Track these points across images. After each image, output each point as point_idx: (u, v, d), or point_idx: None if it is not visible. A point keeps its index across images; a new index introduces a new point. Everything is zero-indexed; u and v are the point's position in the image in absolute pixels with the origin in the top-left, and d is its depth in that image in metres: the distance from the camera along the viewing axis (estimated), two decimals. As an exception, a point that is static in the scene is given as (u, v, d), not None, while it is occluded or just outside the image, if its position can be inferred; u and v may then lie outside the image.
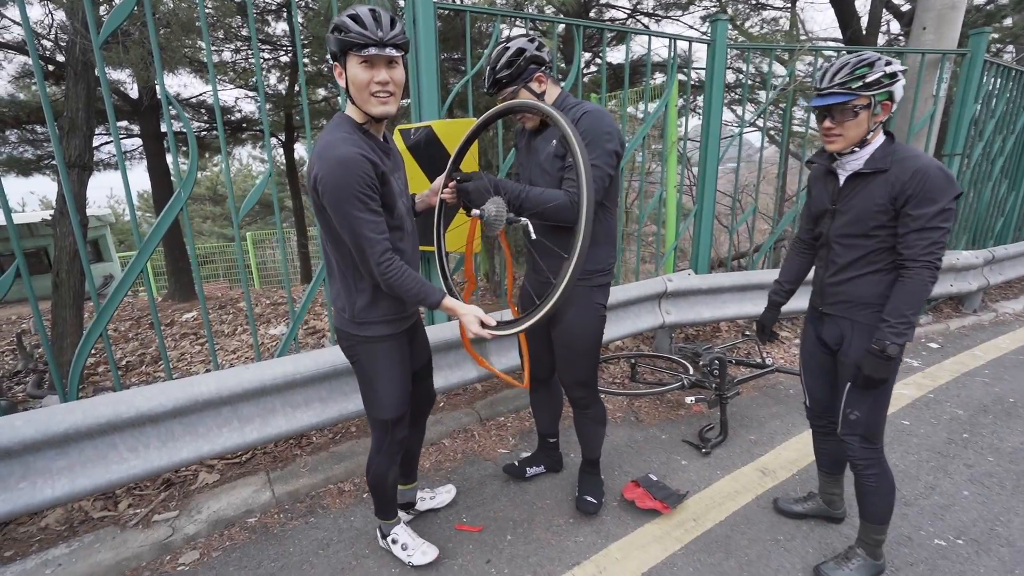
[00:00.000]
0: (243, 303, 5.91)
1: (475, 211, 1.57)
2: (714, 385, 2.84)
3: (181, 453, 1.93)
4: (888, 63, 1.45)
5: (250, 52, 6.36)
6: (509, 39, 1.77)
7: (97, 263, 8.89)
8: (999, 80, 4.48)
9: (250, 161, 17.94)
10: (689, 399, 2.76)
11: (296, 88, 7.18)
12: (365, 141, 1.41)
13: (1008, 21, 6.03)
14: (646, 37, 3.45)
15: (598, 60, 6.41)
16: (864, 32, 5.51)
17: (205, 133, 7.13)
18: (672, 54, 3.42)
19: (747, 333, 3.82)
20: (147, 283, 2.48)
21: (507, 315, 2.80)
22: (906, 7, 6.49)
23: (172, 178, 6.97)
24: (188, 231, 2.29)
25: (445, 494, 2.27)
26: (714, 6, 6.53)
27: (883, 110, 1.51)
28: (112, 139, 2.02)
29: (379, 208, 1.40)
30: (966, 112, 4.11)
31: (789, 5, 6.18)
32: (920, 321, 4.54)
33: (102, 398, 1.80)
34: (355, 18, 1.32)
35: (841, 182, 1.63)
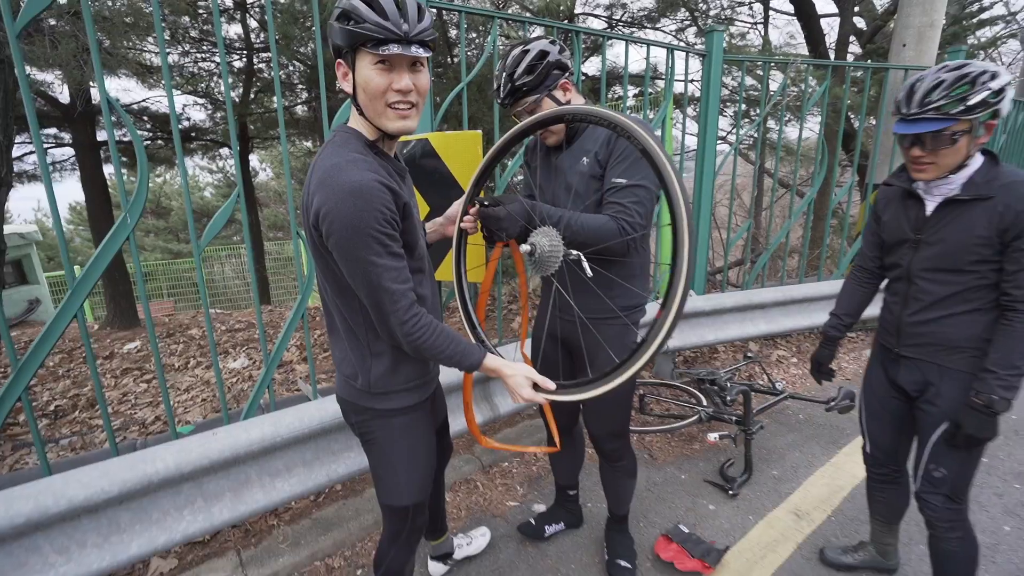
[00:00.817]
0: (193, 330, 5.33)
1: (524, 246, 1.27)
2: (734, 418, 2.65)
3: (129, 549, 1.52)
4: (993, 76, 1.25)
5: (199, 56, 5.82)
6: (526, 41, 1.51)
7: (21, 285, 7.93)
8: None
9: (196, 172, 16.87)
10: (712, 436, 2.55)
11: (252, 95, 6.67)
12: (380, 163, 1.10)
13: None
14: (632, 48, 3.27)
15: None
16: (834, 50, 5.63)
17: (148, 143, 6.48)
18: (669, 65, 3.26)
19: (749, 355, 3.68)
20: (79, 314, 2.03)
21: (510, 352, 2.51)
22: (864, 27, 6.71)
23: (111, 191, 6.28)
24: (137, 262, 1.88)
25: (480, 538, 2.07)
26: (686, 20, 6.54)
27: (986, 131, 1.30)
28: (41, 148, 1.61)
29: (400, 250, 1.09)
30: (945, 128, 4.17)
31: (760, 20, 6.29)
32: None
33: (20, 490, 1.38)
34: (371, 3, 1.00)
35: (928, 210, 1.43)
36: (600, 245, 1.37)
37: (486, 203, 1.35)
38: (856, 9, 5.78)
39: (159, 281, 12.48)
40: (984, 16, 5.62)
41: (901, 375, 1.57)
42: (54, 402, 3.69)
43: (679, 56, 3.27)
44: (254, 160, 16.10)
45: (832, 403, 2.90)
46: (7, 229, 8.10)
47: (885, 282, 1.67)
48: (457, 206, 1.48)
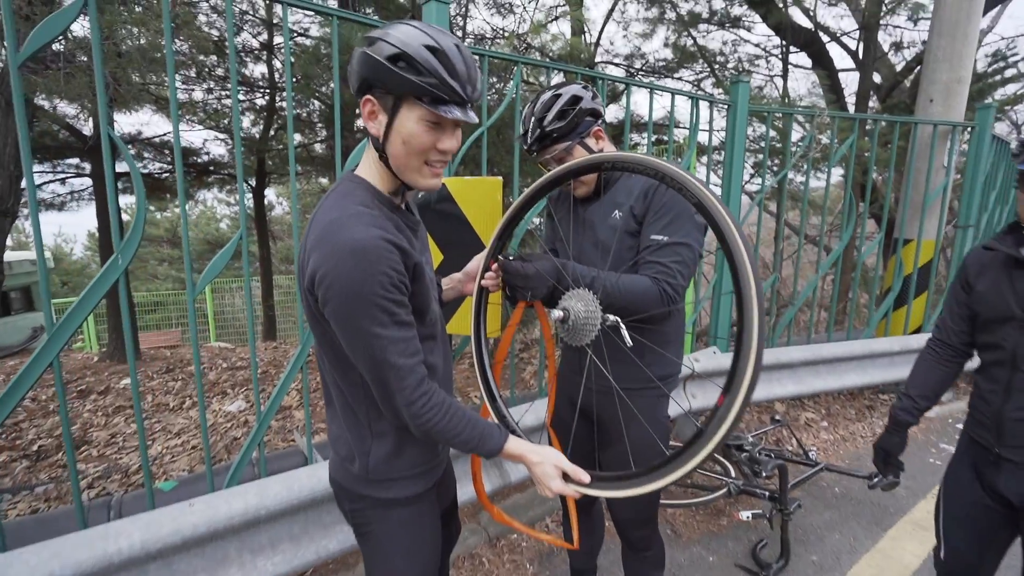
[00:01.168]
0: (194, 367, 5.18)
1: (555, 312, 1.11)
2: (767, 494, 2.39)
3: (78, 644, 1.31)
4: None
5: (223, 92, 5.94)
6: (557, 85, 1.41)
7: (28, 312, 7.90)
8: (996, 153, 4.49)
9: (215, 203, 17.19)
10: (745, 514, 2.29)
11: (272, 132, 6.76)
12: (388, 216, 0.96)
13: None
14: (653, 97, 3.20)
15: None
16: (854, 105, 5.61)
17: (167, 175, 6.55)
18: (694, 115, 3.19)
19: (776, 418, 3.43)
20: (55, 363, 1.88)
21: (520, 412, 2.32)
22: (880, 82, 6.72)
23: (126, 216, 6.30)
24: (125, 306, 1.75)
25: None
26: (703, 72, 6.60)
27: None
28: (56, 176, 1.50)
29: (409, 317, 0.94)
30: (977, 184, 4.04)
31: (777, 73, 6.35)
32: (943, 400, 4.29)
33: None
34: (438, 53, 0.87)
35: None
36: (640, 312, 1.21)
37: (511, 258, 1.20)
38: (875, 65, 5.80)
39: (168, 311, 12.42)
40: (1008, 73, 5.62)
41: (1002, 481, 1.33)
42: (38, 441, 3.50)
43: (702, 106, 3.20)
44: (271, 194, 16.38)
45: (876, 480, 2.63)
46: (21, 256, 8.15)
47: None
48: (477, 261, 1.33)
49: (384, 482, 1.05)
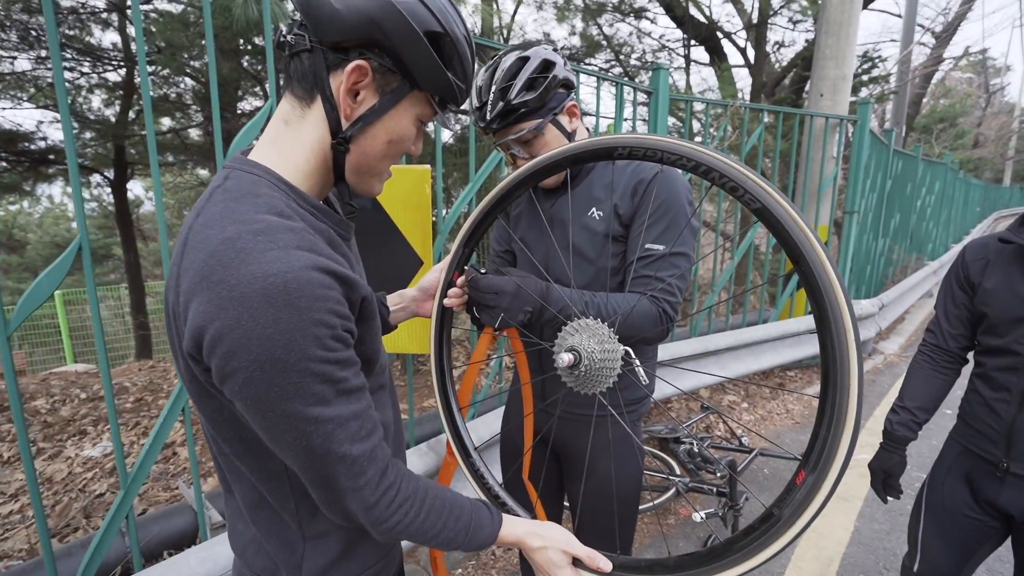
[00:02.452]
0: (40, 400, 4.21)
1: (564, 356, 0.82)
2: (715, 489, 2.36)
3: None
4: None
5: (62, 65, 4.88)
6: (522, 47, 1.09)
7: None
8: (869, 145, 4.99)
9: (64, 200, 14.62)
10: (698, 515, 2.23)
11: (131, 115, 5.71)
12: (318, 228, 0.64)
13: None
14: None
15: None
16: (749, 99, 5.99)
17: (-12, 166, 5.28)
18: (619, 99, 3.09)
19: (706, 406, 3.50)
20: None
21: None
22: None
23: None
24: None
25: None
26: (611, 62, 6.66)
27: None
28: None
29: (360, 379, 0.62)
30: (860, 173, 4.43)
31: (681, 67, 6.60)
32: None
33: None
34: (470, 47, 0.69)
35: None
36: (637, 337, 1.00)
37: (483, 271, 0.93)
38: (764, 62, 6.22)
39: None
40: (874, 73, 6.37)
41: (1005, 495, 1.23)
42: None
43: (610, 94, 3.12)
44: (137, 188, 14.33)
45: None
46: None
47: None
48: (436, 274, 1.04)
49: None
